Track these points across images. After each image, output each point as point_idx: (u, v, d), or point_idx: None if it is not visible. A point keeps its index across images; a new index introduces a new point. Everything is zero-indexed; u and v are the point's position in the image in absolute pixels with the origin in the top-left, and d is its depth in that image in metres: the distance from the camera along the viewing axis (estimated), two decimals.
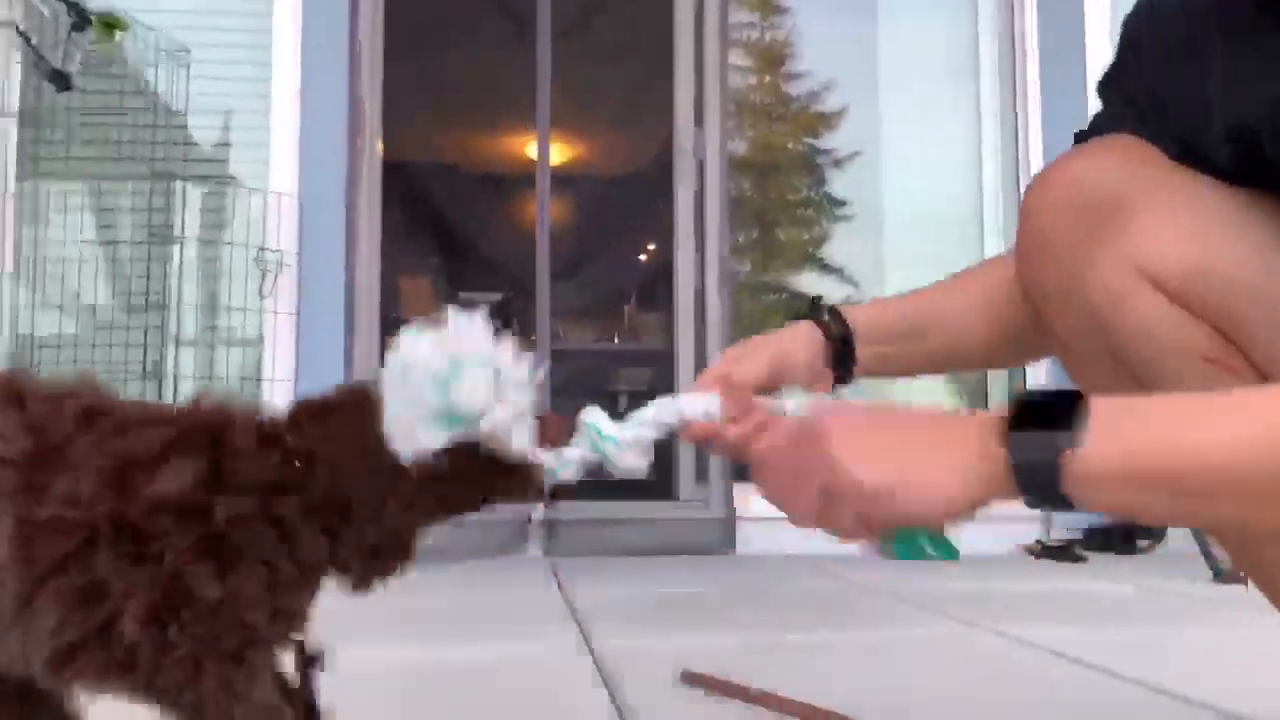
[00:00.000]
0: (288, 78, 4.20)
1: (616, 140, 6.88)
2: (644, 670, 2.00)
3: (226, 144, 4.30)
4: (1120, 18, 1.31)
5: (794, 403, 1.17)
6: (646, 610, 2.88)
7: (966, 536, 4.30)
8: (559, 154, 6.34)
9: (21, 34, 2.90)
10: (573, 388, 5.65)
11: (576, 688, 1.97)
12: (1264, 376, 1.17)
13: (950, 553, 4.22)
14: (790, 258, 5.90)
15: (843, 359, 1.37)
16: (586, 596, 3.00)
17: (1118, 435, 0.88)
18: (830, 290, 5.58)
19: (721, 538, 4.30)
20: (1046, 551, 4.30)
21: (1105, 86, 1.30)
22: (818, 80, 5.77)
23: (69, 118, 3.58)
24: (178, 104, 3.77)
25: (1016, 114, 4.96)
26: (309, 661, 1.10)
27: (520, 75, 4.68)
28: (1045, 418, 0.90)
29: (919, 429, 0.99)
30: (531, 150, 6.48)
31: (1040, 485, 0.89)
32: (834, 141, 5.83)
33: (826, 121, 5.83)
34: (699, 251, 4.48)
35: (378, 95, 4.24)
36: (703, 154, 4.46)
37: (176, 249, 3.87)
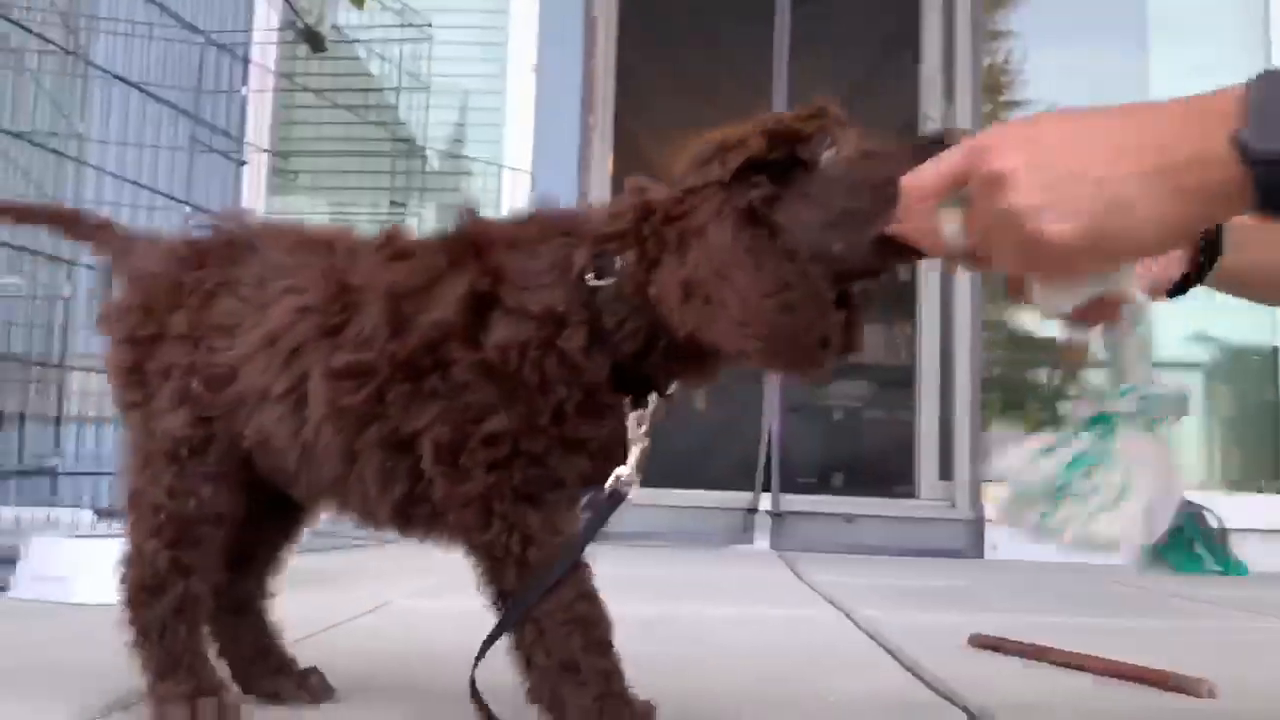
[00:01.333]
0: (524, 55, 4.20)
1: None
2: (918, 638, 1.75)
3: (462, 124, 4.34)
4: None
5: None
6: (901, 595, 2.60)
7: (1253, 552, 3.80)
8: None
9: None
10: None
11: (852, 645, 1.75)
12: None
13: (1238, 568, 3.72)
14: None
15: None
16: (826, 582, 2.75)
17: None
18: (1051, 327, 5.04)
19: (968, 541, 3.94)
20: None
21: None
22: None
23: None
24: (420, 80, 3.81)
25: None
26: (611, 498, 0.96)
27: (758, 56, 4.52)
28: None
29: (1115, 138, 0.76)
30: None
31: None
32: None
33: None
34: None
35: (610, 72, 4.18)
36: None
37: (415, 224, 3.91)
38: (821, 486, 4.42)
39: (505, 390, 0.92)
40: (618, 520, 1.00)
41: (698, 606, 2.26)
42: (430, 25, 3.77)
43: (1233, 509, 3.89)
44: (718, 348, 0.89)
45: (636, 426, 0.95)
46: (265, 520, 1.17)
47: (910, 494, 4.17)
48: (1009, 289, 0.90)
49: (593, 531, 0.96)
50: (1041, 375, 4.89)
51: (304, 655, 1.31)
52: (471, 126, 4.33)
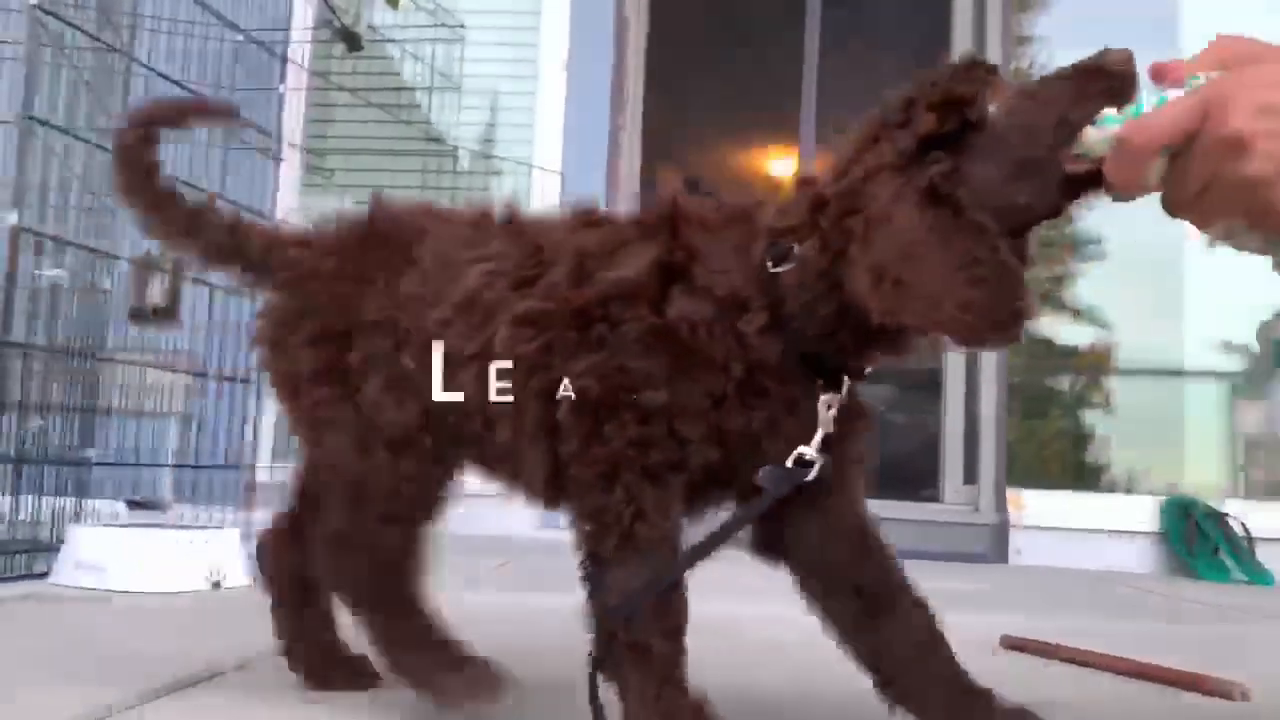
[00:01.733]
0: (555, 55, 4.23)
1: None
2: (950, 637, 1.76)
3: (493, 124, 4.37)
4: None
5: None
6: (928, 597, 2.60)
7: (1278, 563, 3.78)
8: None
9: None
10: None
11: None
12: None
13: (1264, 578, 3.70)
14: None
15: None
16: None
17: None
18: (1074, 334, 4.96)
19: (991, 545, 3.94)
20: None
21: None
22: None
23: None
24: (452, 80, 3.84)
25: None
26: (790, 475, 0.96)
27: (788, 57, 4.52)
28: None
29: None
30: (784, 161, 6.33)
31: None
32: None
33: None
34: None
35: (640, 73, 4.20)
36: None
37: None
38: None
39: (674, 363, 0.94)
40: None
41: (729, 606, 2.27)
42: (463, 26, 3.80)
43: (1261, 518, 3.87)
44: (912, 328, 0.91)
45: (826, 410, 0.96)
46: None
47: (934, 498, 4.16)
48: (1176, 208, 0.88)
49: (760, 507, 0.98)
50: (1064, 382, 4.86)
51: None
52: (502, 126, 4.36)
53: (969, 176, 0.88)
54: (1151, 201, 1.01)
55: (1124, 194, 0.87)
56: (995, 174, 0.88)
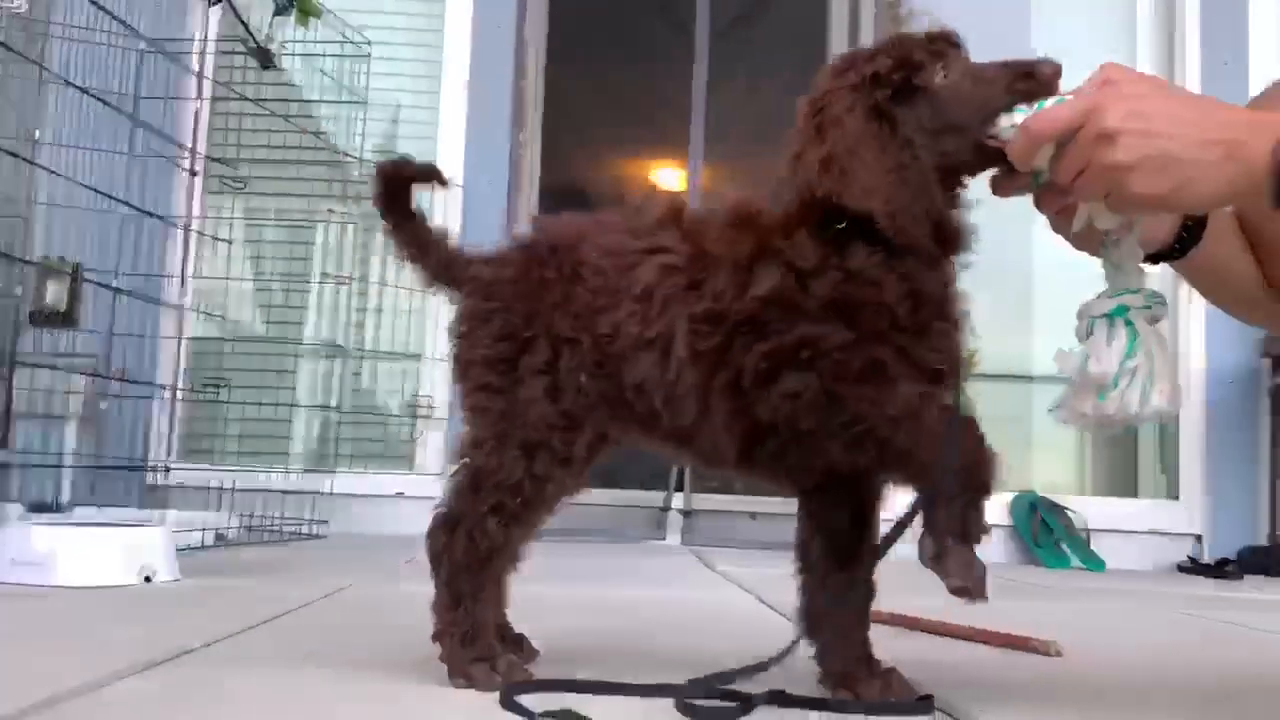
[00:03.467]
0: (457, 73, 4.40)
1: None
2: None
3: (395, 136, 4.51)
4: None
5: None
6: None
7: (1110, 549, 4.22)
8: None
9: (232, 8, 3.12)
10: None
11: (766, 621, 2.01)
12: None
13: (1097, 564, 4.14)
14: None
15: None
16: (735, 572, 3.03)
17: None
18: None
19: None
20: (1198, 568, 4.16)
21: None
22: None
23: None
24: (357, 94, 3.98)
25: None
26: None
27: (679, 83, 4.79)
28: None
29: (1202, 131, 1.03)
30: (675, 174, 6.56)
31: None
32: None
33: None
34: None
35: (540, 86, 4.40)
36: None
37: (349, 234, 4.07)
38: (726, 487, 4.71)
39: (850, 319, 1.09)
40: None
41: (627, 590, 2.51)
42: (369, 43, 3.94)
43: (1094, 512, 4.32)
44: (849, 211, 1.10)
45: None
46: None
47: None
48: (1043, 204, 1.16)
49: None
50: None
51: (273, 636, 1.55)
52: (404, 139, 4.51)
53: (905, 114, 1.11)
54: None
55: (1020, 168, 1.11)
56: (928, 121, 1.12)
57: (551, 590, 2.03)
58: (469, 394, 1.24)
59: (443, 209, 4.18)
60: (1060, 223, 1.19)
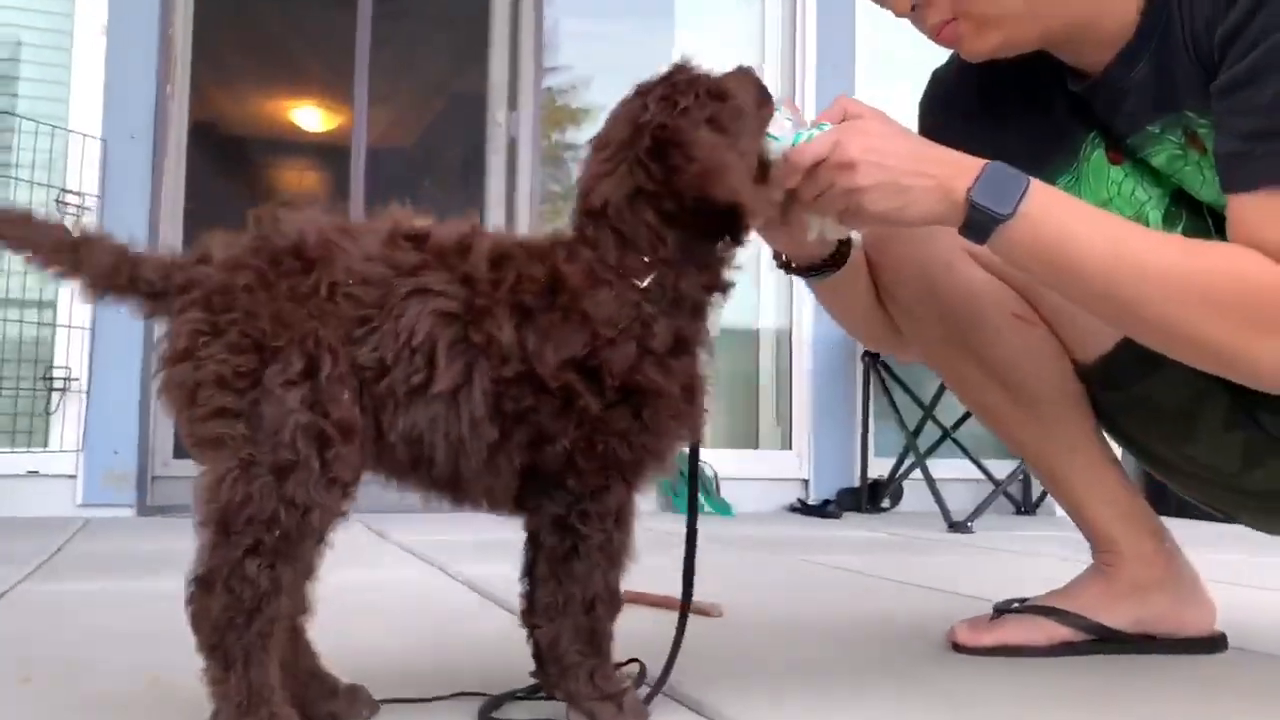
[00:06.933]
0: (93, 19, 4.05)
1: (425, 113, 6.86)
2: (508, 587, 2.20)
3: (15, 77, 4.08)
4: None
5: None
6: (480, 550, 3.07)
7: (736, 496, 4.78)
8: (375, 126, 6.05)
9: None
10: None
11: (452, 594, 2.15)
12: (1053, 329, 1.59)
13: (726, 510, 4.68)
14: None
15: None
16: (421, 542, 3.15)
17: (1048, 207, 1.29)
18: None
19: None
20: (806, 509, 4.83)
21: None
22: (575, 75, 5.54)
23: None
24: None
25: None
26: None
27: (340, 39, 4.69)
28: (1000, 183, 1.29)
29: (920, 165, 1.30)
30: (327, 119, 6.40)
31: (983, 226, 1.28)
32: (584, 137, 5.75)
33: (573, 117, 5.75)
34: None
35: (188, 38, 4.16)
36: (515, 131, 4.67)
37: None
38: None
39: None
40: None
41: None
42: None
43: (722, 463, 4.87)
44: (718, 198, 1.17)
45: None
46: None
47: None
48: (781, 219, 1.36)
49: None
50: None
51: None
52: (28, 83, 4.09)
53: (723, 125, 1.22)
54: None
55: (774, 190, 1.32)
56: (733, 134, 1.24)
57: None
58: (198, 423, 1.04)
59: (79, 169, 3.88)
60: (773, 233, 1.45)
